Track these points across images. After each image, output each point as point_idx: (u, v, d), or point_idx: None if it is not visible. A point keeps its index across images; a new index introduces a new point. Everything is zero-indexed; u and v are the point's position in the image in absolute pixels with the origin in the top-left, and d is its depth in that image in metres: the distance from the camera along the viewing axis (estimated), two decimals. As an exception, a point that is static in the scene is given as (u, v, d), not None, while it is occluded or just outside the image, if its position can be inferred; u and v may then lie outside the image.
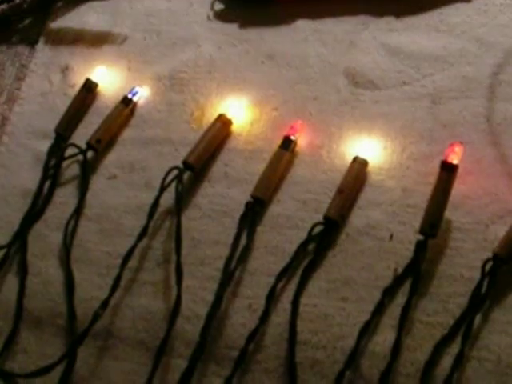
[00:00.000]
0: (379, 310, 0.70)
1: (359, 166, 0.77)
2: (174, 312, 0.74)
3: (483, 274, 0.68)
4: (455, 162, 0.73)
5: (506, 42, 0.83)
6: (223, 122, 0.84)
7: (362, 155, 0.78)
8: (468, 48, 0.83)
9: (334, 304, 0.72)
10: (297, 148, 0.81)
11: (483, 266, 0.68)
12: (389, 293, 0.70)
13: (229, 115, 0.85)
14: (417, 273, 0.70)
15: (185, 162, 0.82)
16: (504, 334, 0.67)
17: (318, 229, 0.75)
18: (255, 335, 0.72)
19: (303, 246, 0.75)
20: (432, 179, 0.73)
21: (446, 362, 0.67)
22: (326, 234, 0.75)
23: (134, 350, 0.76)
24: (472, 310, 0.68)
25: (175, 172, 0.81)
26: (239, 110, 0.86)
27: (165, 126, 0.88)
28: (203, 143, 0.83)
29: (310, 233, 0.75)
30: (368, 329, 0.69)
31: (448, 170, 0.72)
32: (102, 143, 0.87)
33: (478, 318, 0.67)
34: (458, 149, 0.73)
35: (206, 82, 0.90)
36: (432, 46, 0.85)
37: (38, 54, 1.00)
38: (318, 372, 0.70)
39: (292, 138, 0.81)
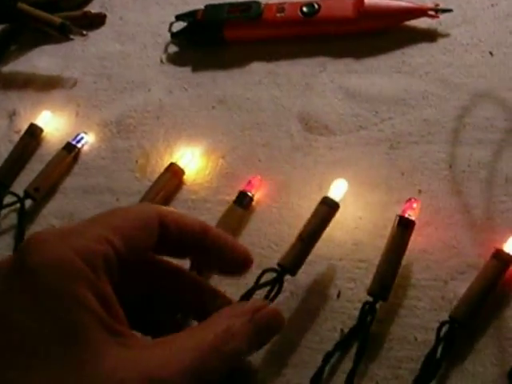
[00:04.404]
0: (319, 377, 0.63)
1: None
2: None
3: (438, 339, 0.61)
4: (413, 217, 0.66)
5: (472, 83, 0.77)
6: (173, 172, 0.79)
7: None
8: (431, 90, 0.78)
9: (274, 370, 0.65)
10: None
11: (438, 330, 0.61)
12: (330, 358, 0.63)
13: (180, 164, 0.79)
14: (364, 339, 0.63)
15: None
16: (464, 406, 0.59)
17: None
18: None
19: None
20: (387, 232, 0.66)
21: None
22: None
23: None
24: (424, 378, 0.60)
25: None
26: (192, 159, 0.80)
27: (107, 174, 0.83)
28: (151, 195, 0.77)
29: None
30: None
31: (404, 226, 0.65)
32: (41, 191, 0.82)
33: (430, 386, 0.60)
34: (416, 205, 0.67)
35: (153, 127, 0.85)
36: (392, 88, 0.79)
37: (-13, 99, 0.96)
38: None
39: (249, 194, 0.74)
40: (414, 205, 0.67)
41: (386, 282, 0.63)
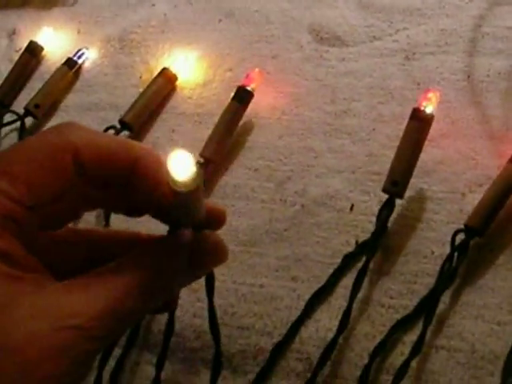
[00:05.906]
0: (332, 283, 0.60)
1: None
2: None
3: (453, 248, 0.58)
4: (429, 110, 0.61)
5: (492, -9, 0.73)
6: (166, 77, 0.76)
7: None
8: (448, -1, 0.74)
9: (283, 284, 0.62)
10: (250, 109, 0.71)
11: (453, 239, 0.58)
12: (350, 260, 0.61)
13: (173, 70, 0.76)
14: (378, 236, 0.59)
15: (121, 121, 0.73)
16: (480, 320, 0.56)
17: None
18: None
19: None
20: (401, 144, 0.63)
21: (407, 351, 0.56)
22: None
23: None
24: (438, 290, 0.57)
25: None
26: (185, 63, 0.77)
27: (111, 90, 0.80)
28: (142, 100, 0.74)
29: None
30: (313, 308, 0.59)
31: (419, 120, 0.60)
32: (42, 109, 0.79)
33: (447, 301, 0.57)
34: (432, 95, 0.62)
35: (157, 43, 0.82)
36: (408, -3, 0.75)
37: (-15, 19, 0.92)
38: (262, 361, 0.60)
39: (248, 88, 0.70)
40: (430, 94, 0.62)
41: (398, 179, 0.60)
